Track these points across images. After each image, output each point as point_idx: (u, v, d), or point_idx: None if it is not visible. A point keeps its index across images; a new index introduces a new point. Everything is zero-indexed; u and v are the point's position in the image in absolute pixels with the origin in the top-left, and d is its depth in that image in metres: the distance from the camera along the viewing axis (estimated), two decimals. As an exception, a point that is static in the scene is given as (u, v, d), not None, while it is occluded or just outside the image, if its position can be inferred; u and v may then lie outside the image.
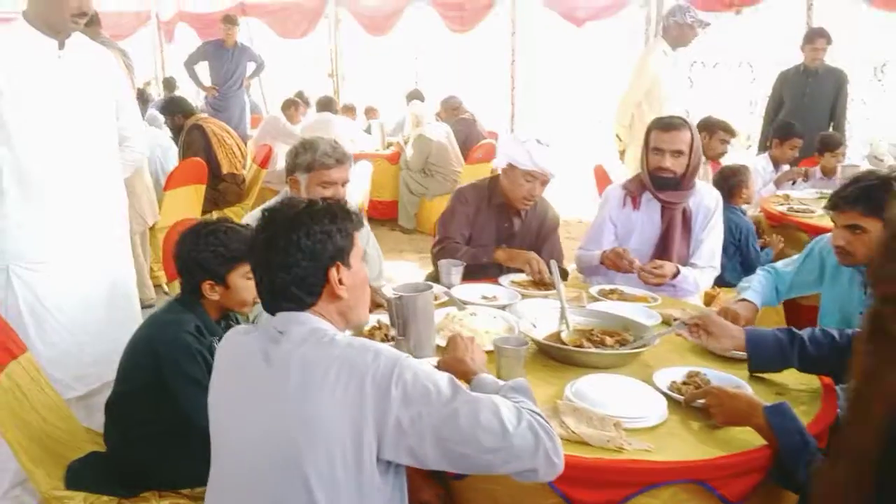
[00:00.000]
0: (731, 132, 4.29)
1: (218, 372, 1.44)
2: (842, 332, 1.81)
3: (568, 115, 7.97)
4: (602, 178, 4.87)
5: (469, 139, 6.99)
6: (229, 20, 7.71)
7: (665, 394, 1.74)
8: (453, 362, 1.57)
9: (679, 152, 2.71)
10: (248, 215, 2.61)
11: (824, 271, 2.39)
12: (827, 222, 3.87)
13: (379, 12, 8.88)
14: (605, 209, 2.93)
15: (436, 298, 2.18)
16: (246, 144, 7.06)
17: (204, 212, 5.31)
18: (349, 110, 8.20)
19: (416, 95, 8.08)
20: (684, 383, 1.80)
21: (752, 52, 6.05)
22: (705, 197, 2.83)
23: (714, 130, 4.25)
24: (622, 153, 5.11)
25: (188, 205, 5.22)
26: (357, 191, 5.37)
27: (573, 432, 1.52)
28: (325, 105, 7.25)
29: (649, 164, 2.78)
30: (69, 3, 2.24)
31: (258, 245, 1.39)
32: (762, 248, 3.81)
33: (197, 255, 1.95)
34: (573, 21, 7.25)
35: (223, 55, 7.73)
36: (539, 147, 2.80)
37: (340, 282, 1.38)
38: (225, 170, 5.87)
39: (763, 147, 5.28)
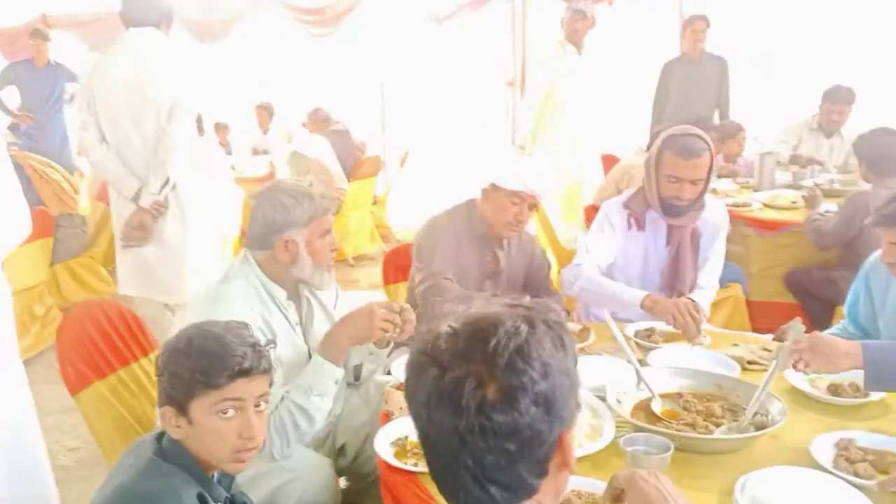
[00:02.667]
0: None
1: None
2: None
3: (443, 119, 7.59)
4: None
5: (344, 152, 6.43)
6: (39, 35, 6.53)
7: (847, 480, 1.42)
8: None
9: (699, 180, 2.40)
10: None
11: (872, 300, 2.22)
12: (769, 214, 3.90)
13: (211, 17, 7.99)
14: (607, 228, 2.57)
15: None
16: (73, 175, 6.03)
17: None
18: (220, 129, 7.20)
19: (267, 109, 7.35)
20: (846, 459, 1.50)
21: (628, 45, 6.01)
22: (711, 212, 2.57)
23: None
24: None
25: (34, 269, 4.25)
26: (229, 223, 4.67)
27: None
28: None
29: (661, 191, 2.43)
30: None
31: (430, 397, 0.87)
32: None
33: (162, 369, 1.39)
34: (432, 19, 6.90)
35: (35, 76, 6.56)
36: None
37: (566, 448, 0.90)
38: (55, 211, 4.88)
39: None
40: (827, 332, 2.37)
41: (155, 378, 2.32)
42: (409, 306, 1.92)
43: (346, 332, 1.88)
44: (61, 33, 8.28)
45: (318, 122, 6.66)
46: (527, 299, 0.95)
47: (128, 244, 3.06)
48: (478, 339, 0.86)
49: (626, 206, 2.57)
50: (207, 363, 1.35)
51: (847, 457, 1.50)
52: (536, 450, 0.85)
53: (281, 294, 2.01)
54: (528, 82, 5.43)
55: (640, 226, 2.55)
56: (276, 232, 1.95)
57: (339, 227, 5.92)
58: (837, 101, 4.69)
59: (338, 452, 2.12)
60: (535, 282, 2.64)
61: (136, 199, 3.00)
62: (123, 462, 1.40)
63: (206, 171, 3.18)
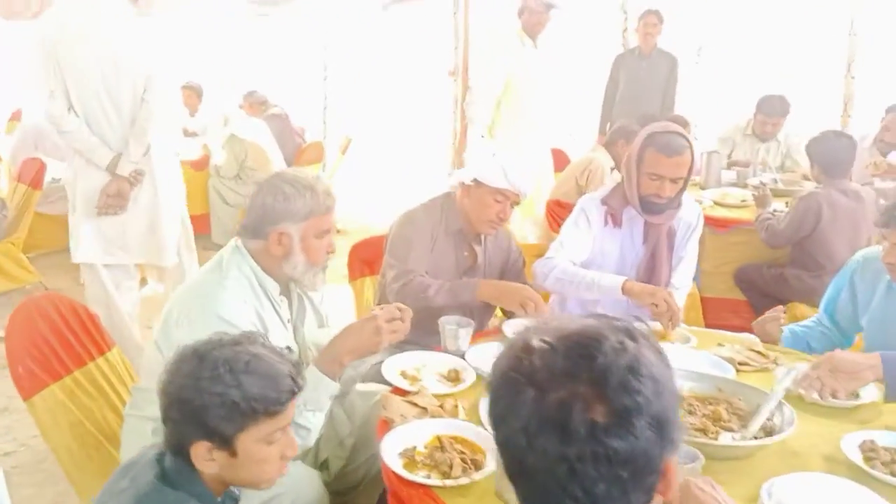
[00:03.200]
0: None
1: None
2: None
3: (386, 107, 7.44)
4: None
5: (282, 137, 6.21)
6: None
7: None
8: None
9: (679, 178, 2.40)
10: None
11: (856, 298, 2.27)
12: (720, 213, 3.99)
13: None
14: (583, 223, 2.54)
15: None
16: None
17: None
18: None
19: (195, 90, 6.99)
20: (878, 461, 1.51)
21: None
22: (686, 210, 2.58)
23: (631, 141, 4.04)
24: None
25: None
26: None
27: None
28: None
29: (641, 188, 2.42)
30: None
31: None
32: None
33: (197, 400, 1.21)
34: (378, 4, 6.74)
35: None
36: (514, 162, 2.35)
37: None
38: (-29, 193, 4.51)
39: (603, 132, 5.26)
40: (801, 324, 2.44)
41: (112, 379, 2.20)
42: (407, 308, 1.83)
43: (347, 346, 1.76)
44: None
45: (255, 104, 6.43)
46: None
47: (105, 212, 3.08)
48: (580, 355, 0.79)
49: (603, 202, 2.55)
50: (261, 389, 1.22)
51: (878, 458, 1.51)
52: (647, 477, 0.79)
53: (274, 288, 1.88)
54: (475, 73, 5.33)
55: (617, 222, 2.54)
56: (272, 222, 1.82)
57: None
58: (772, 112, 4.81)
59: (320, 467, 2.00)
60: (510, 276, 2.59)
61: (111, 168, 3.03)
62: (115, 486, 1.26)
63: (168, 139, 3.34)
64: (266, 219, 1.84)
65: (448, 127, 6.78)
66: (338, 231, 6.51)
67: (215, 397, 1.21)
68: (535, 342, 0.81)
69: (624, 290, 2.29)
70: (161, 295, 3.86)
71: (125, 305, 3.25)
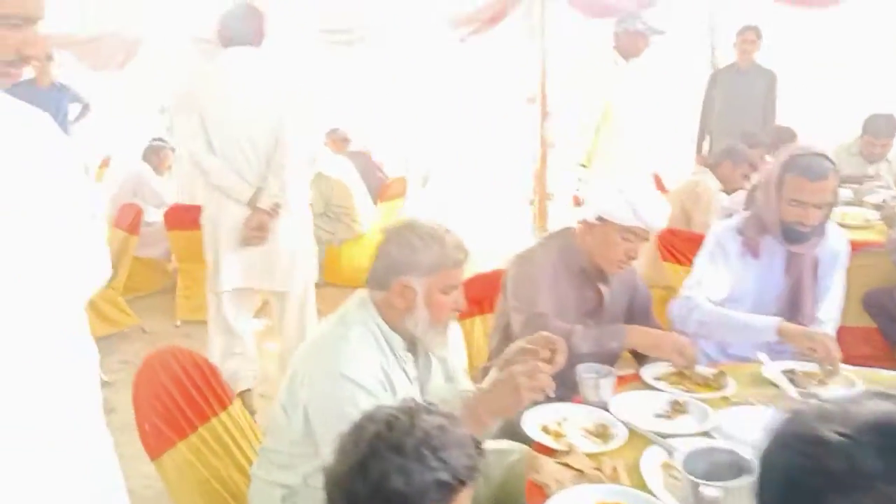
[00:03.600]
0: (755, 167, 3.87)
1: None
2: None
3: (465, 138, 7.39)
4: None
5: (365, 174, 6.23)
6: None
7: None
8: None
9: (824, 204, 2.21)
10: None
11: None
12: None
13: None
14: (720, 258, 2.36)
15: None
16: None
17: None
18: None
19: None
20: None
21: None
22: (831, 238, 2.37)
23: (739, 162, 3.85)
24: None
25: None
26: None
27: None
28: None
29: (784, 215, 2.23)
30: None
31: None
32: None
33: (407, 489, 1.11)
34: (454, 37, 6.68)
35: (38, 97, 6.21)
36: (646, 198, 2.20)
37: None
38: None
39: (700, 151, 5.03)
40: None
41: (236, 435, 2.14)
42: (561, 339, 1.70)
43: (489, 408, 1.63)
44: (59, 53, 8.05)
45: (338, 141, 6.47)
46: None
47: (248, 243, 3.29)
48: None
49: (740, 231, 2.37)
50: (459, 460, 1.13)
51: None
52: None
53: (399, 343, 1.78)
54: (567, 100, 5.22)
55: (755, 253, 2.35)
56: (397, 273, 1.73)
57: (366, 250, 5.69)
58: (879, 134, 4.52)
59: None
60: (637, 317, 2.43)
61: (252, 202, 3.24)
62: None
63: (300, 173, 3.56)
64: (390, 269, 1.75)
65: (527, 154, 6.69)
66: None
67: (428, 483, 1.11)
68: (828, 434, 0.67)
69: (779, 333, 2.09)
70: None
71: (245, 335, 3.50)
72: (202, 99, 3.24)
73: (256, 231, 3.26)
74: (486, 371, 2.12)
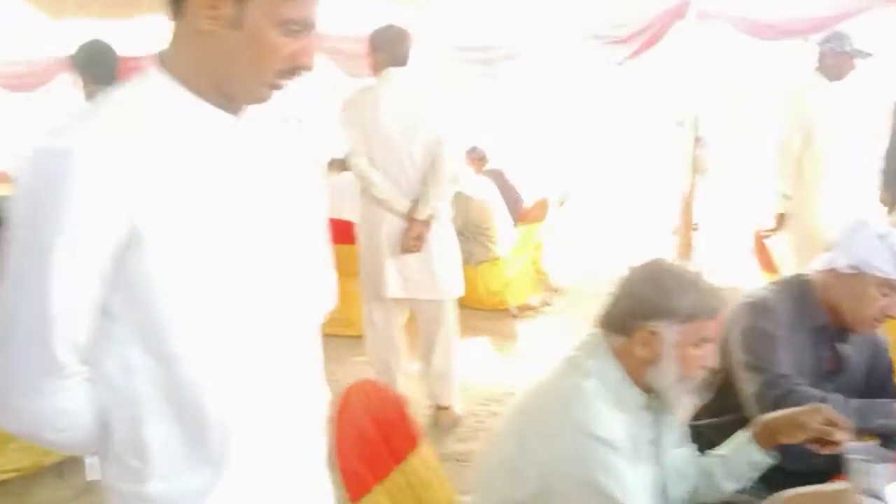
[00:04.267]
0: None
1: None
2: None
3: (606, 161, 7.11)
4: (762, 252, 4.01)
5: (503, 195, 6.07)
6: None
7: None
8: None
9: None
10: None
11: None
12: None
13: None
14: None
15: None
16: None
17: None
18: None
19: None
20: None
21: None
22: None
23: None
24: (781, 217, 4.23)
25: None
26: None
27: None
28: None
29: None
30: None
31: None
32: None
33: None
34: (619, 50, 6.38)
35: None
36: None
37: None
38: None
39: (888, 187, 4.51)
40: None
41: (426, 476, 1.97)
42: (843, 416, 1.45)
43: None
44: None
45: (476, 160, 6.35)
46: None
47: (408, 252, 3.50)
48: None
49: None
50: None
51: None
52: None
53: (637, 399, 1.57)
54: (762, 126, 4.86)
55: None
56: (643, 317, 1.52)
57: (503, 274, 5.51)
58: None
59: None
60: (877, 381, 2.10)
61: (410, 214, 3.46)
62: None
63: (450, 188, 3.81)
64: (636, 312, 1.55)
65: (674, 180, 6.34)
66: (555, 290, 6.23)
67: None
68: None
69: None
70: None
71: (398, 343, 3.70)
72: (365, 116, 3.46)
73: (415, 241, 3.49)
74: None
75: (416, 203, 3.46)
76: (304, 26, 1.04)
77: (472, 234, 5.64)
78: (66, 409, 1.02)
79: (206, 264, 1.03)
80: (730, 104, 5.51)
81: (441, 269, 3.60)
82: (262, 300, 1.10)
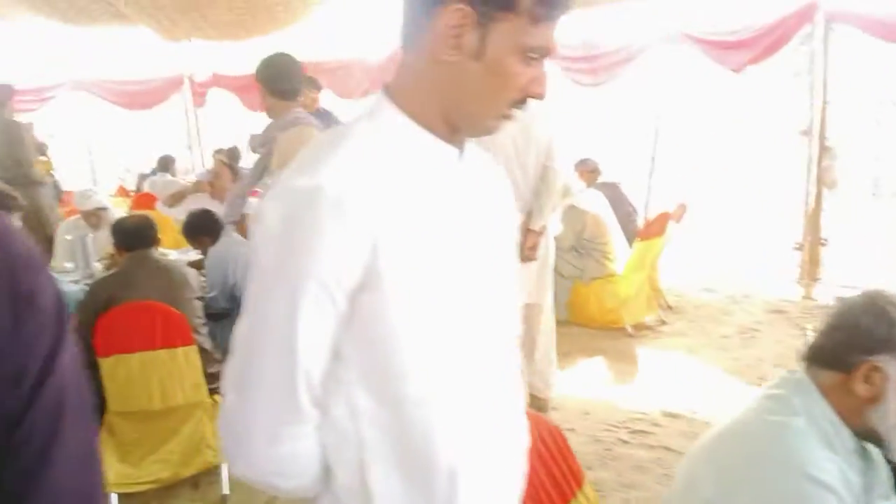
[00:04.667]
0: None
1: None
2: None
3: (725, 172, 6.82)
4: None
5: (614, 207, 5.88)
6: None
7: None
8: None
9: None
10: None
11: None
12: None
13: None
14: None
15: None
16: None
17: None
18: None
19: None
20: None
21: None
22: None
23: None
24: None
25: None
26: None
27: None
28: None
29: None
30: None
31: None
32: None
33: None
34: (729, 65, 6.11)
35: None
36: None
37: None
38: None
39: None
40: None
41: None
42: None
43: None
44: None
45: (587, 172, 6.18)
46: None
47: (525, 261, 3.58)
48: None
49: None
50: None
51: None
52: None
53: (849, 442, 1.41)
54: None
55: None
56: (864, 352, 1.38)
57: (618, 291, 5.32)
58: None
59: None
60: None
61: (524, 225, 3.51)
62: None
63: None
64: (855, 345, 1.40)
65: (799, 191, 5.99)
66: (669, 307, 5.97)
67: None
68: None
69: None
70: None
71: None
72: None
73: (532, 251, 3.59)
74: None
75: (529, 214, 3.54)
76: (542, 54, 0.98)
77: (584, 250, 5.49)
78: (300, 454, 0.98)
79: (441, 303, 0.98)
80: (860, 112, 5.12)
81: (543, 273, 3.75)
82: (486, 338, 1.06)
